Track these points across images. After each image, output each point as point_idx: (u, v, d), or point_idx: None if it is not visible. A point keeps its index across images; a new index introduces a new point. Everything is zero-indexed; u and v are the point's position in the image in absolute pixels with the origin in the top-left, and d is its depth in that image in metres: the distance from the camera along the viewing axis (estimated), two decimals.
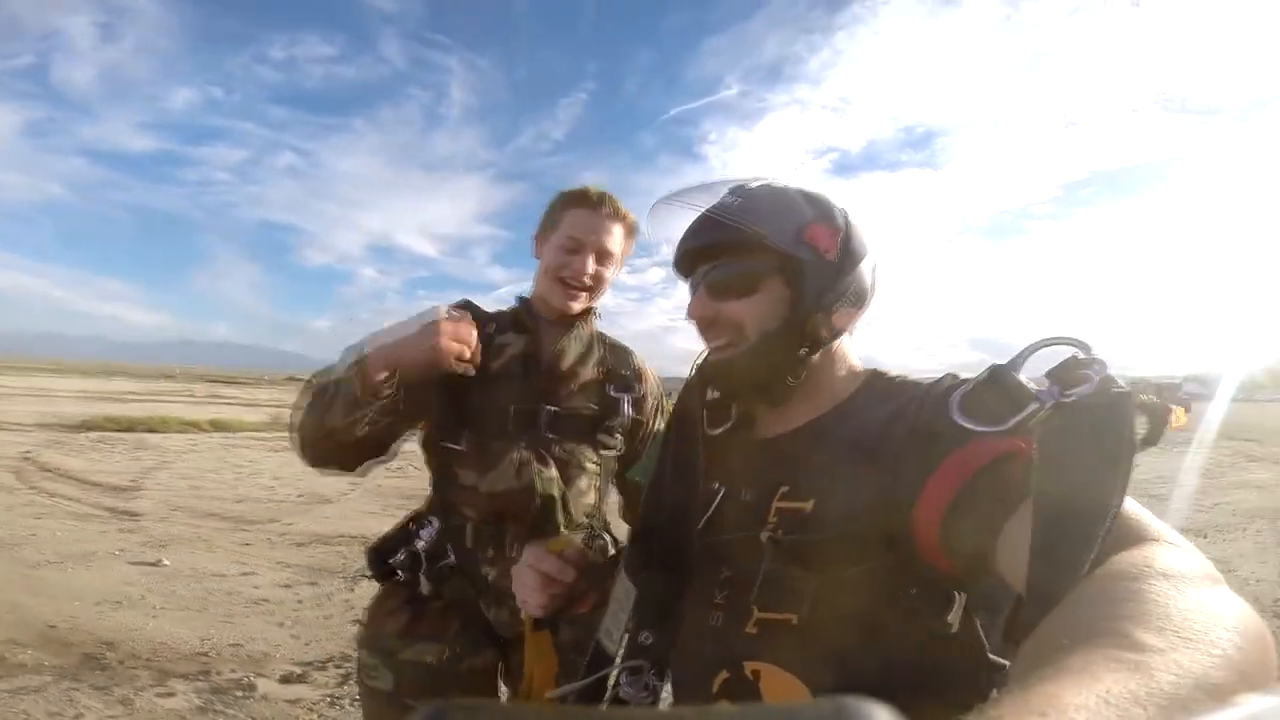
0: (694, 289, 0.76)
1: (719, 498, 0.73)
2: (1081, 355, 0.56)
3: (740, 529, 0.69)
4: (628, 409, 1.31)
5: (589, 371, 1.32)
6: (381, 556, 1.24)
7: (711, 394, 0.80)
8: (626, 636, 0.72)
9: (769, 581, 0.65)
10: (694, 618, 0.71)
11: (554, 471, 1.18)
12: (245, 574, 4.07)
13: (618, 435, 1.31)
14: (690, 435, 0.76)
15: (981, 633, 0.60)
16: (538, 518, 1.09)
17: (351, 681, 2.68)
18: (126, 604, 3.41)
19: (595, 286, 1.31)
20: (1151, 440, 0.55)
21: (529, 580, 0.80)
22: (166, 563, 4.14)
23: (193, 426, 11.94)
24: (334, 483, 7.30)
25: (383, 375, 1.06)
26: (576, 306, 1.29)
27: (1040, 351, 0.60)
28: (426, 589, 1.20)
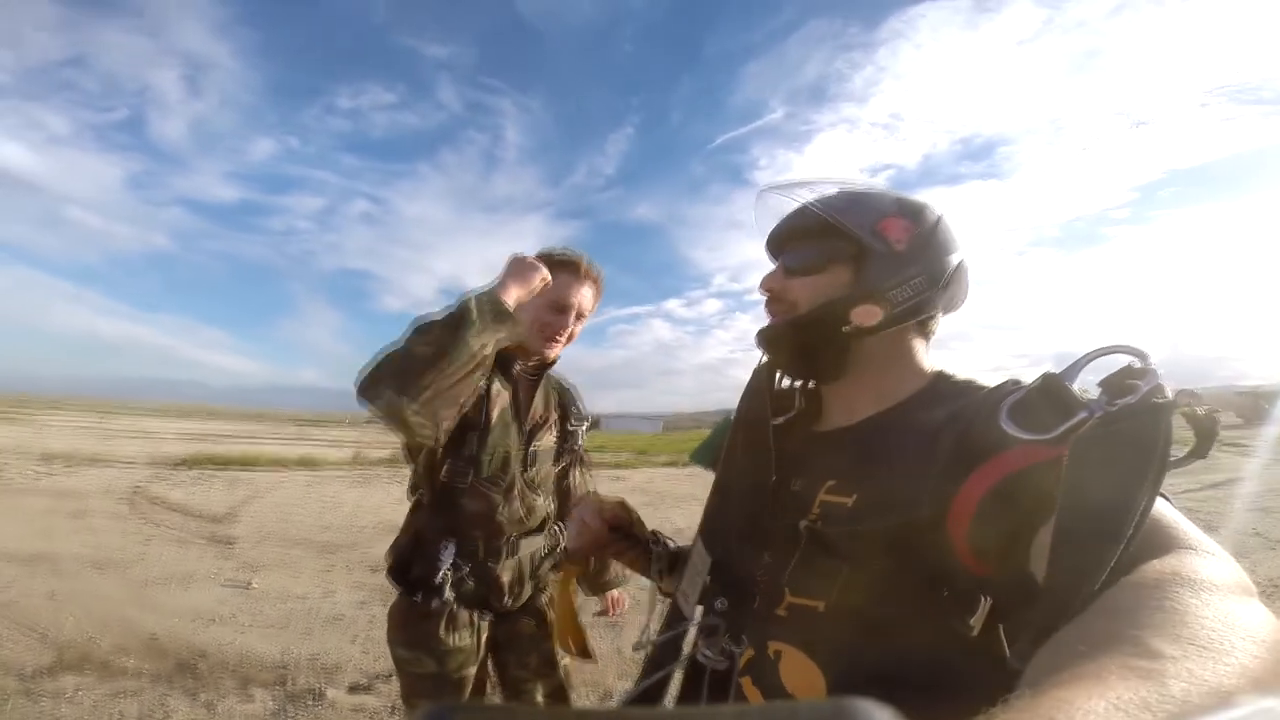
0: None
1: (772, 484, 0.76)
2: (1138, 365, 0.55)
3: (785, 516, 0.71)
4: (582, 438, 1.69)
5: (552, 413, 1.62)
6: (405, 575, 1.47)
7: (779, 383, 0.84)
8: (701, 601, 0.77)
9: (801, 568, 0.67)
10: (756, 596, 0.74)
11: (534, 500, 1.53)
12: (325, 594, 4.28)
13: (566, 458, 1.68)
14: (760, 419, 0.79)
15: (1004, 640, 0.58)
16: (523, 530, 1.52)
17: None
18: (219, 620, 3.65)
19: (569, 340, 1.55)
20: (1199, 453, 0.54)
21: (573, 525, 0.94)
22: (256, 585, 4.41)
23: (282, 463, 12.74)
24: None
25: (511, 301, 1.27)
26: (553, 354, 1.53)
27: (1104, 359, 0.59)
28: (450, 595, 1.43)
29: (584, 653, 1.05)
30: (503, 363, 1.48)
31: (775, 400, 0.82)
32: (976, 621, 0.57)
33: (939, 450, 0.63)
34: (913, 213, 0.73)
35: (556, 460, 1.63)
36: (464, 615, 1.44)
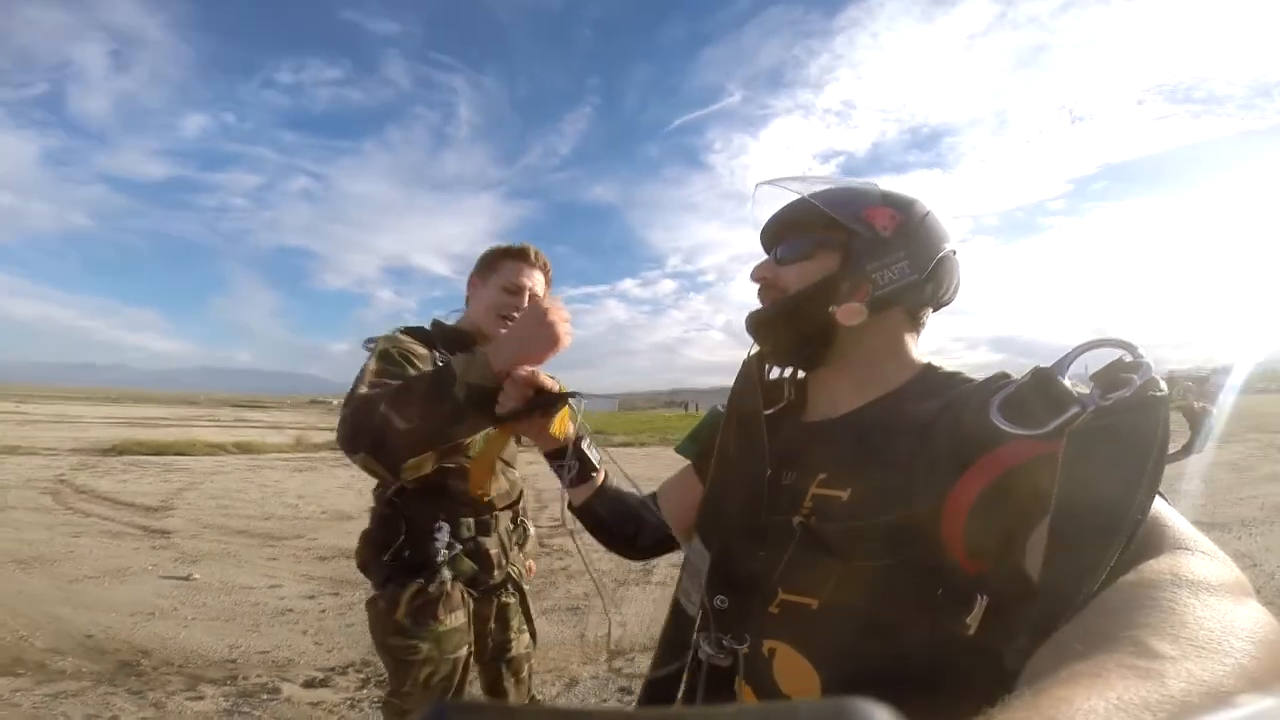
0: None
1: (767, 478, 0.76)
2: (1129, 358, 0.55)
3: (777, 511, 0.71)
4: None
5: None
6: (390, 564, 1.47)
7: (768, 373, 0.85)
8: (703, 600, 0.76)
9: (793, 565, 0.67)
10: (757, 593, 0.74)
11: (515, 472, 1.68)
12: (272, 586, 4.20)
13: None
14: (753, 411, 0.78)
15: (1001, 639, 0.57)
16: (515, 503, 1.68)
17: (372, 685, 2.77)
18: (159, 615, 3.54)
19: None
20: (1194, 447, 0.55)
21: (506, 387, 0.95)
22: (197, 577, 4.28)
23: (219, 449, 12.25)
24: (355, 500, 7.47)
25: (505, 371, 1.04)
26: None
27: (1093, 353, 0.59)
28: (447, 576, 1.47)
29: (482, 487, 1.36)
30: (465, 348, 1.52)
31: (765, 392, 0.82)
32: (973, 620, 0.56)
33: (931, 445, 0.63)
34: (900, 204, 0.75)
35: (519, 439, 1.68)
36: (457, 595, 1.49)
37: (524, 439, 1.07)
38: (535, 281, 1.59)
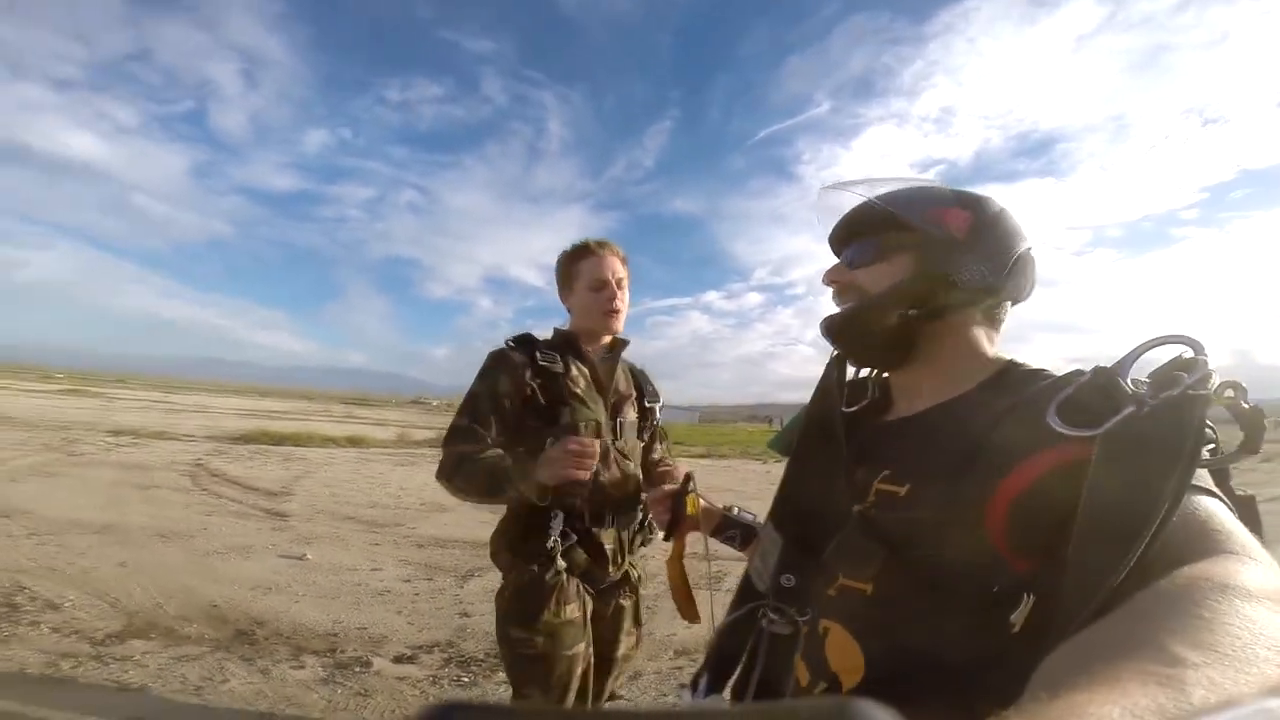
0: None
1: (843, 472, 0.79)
2: (1189, 355, 0.54)
3: (845, 503, 0.73)
4: (659, 414, 1.79)
5: (628, 388, 1.72)
6: (529, 551, 1.51)
7: (856, 373, 0.87)
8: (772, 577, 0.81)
9: (846, 549, 0.70)
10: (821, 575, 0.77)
11: (625, 470, 1.60)
12: (373, 569, 4.45)
13: (647, 433, 1.76)
14: (830, 408, 0.81)
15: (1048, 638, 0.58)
16: (617, 499, 1.57)
17: (454, 664, 2.86)
18: (275, 590, 3.83)
19: (625, 310, 1.66)
20: (1250, 448, 0.53)
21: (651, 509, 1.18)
22: (309, 557, 4.61)
23: (332, 442, 13.25)
24: (451, 496, 7.82)
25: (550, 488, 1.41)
26: (619, 326, 1.66)
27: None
28: (562, 566, 1.49)
29: (691, 617, 1.20)
30: (573, 348, 1.63)
31: (850, 390, 0.85)
32: (1018, 618, 0.56)
33: (991, 443, 0.63)
34: (972, 204, 0.74)
35: (639, 435, 1.71)
36: (573, 587, 1.49)
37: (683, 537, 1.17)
38: (613, 266, 1.62)
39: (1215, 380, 0.51)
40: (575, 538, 1.52)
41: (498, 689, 2.62)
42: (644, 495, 1.60)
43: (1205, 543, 0.45)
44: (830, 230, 0.84)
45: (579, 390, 1.58)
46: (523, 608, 1.46)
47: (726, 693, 0.81)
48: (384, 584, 4.10)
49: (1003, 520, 0.57)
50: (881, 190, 0.77)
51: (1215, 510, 0.49)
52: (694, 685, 0.84)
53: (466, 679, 2.72)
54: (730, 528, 1.11)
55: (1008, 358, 0.75)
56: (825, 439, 0.80)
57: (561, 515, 1.50)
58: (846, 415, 0.82)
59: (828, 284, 0.81)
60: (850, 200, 0.80)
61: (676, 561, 1.13)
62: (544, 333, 1.70)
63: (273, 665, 2.73)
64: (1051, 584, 0.54)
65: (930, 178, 0.77)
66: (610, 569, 1.57)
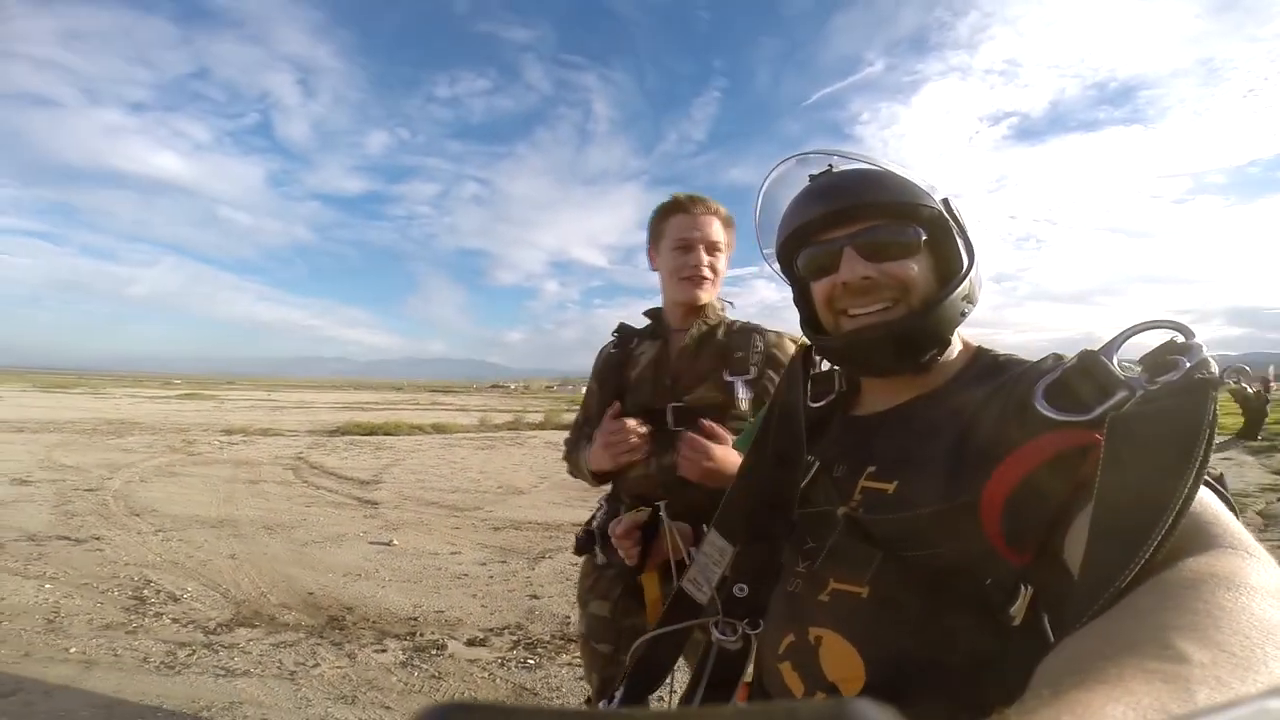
0: (830, 252, 0.71)
1: (814, 470, 0.75)
2: (1180, 340, 0.53)
3: (827, 503, 0.71)
4: (741, 392, 1.39)
5: (706, 363, 1.44)
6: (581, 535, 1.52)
7: (818, 366, 0.83)
8: (718, 588, 0.78)
9: (839, 553, 0.67)
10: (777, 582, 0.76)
11: (673, 459, 1.31)
12: (453, 553, 4.71)
13: (747, 416, 1.39)
14: (793, 407, 0.77)
15: (1049, 630, 0.57)
16: (668, 498, 1.31)
17: (521, 647, 3.01)
18: (364, 576, 4.13)
19: (714, 276, 1.46)
20: (1248, 435, 0.47)
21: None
22: (396, 543, 4.93)
23: (419, 430, 14.01)
24: (527, 476, 8.12)
25: (602, 472, 1.45)
26: (704, 296, 1.45)
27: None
28: (601, 560, 1.44)
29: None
30: (658, 326, 1.54)
31: (814, 384, 0.82)
32: (1017, 611, 0.55)
33: (975, 433, 0.62)
34: (932, 186, 0.71)
35: (721, 420, 1.38)
36: (610, 583, 1.45)
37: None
38: (705, 227, 1.44)
39: (1215, 365, 0.49)
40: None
41: (560, 671, 2.74)
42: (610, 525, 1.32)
43: (1203, 536, 0.44)
44: (825, 204, 0.71)
45: (634, 374, 1.50)
46: (578, 586, 1.51)
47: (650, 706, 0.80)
48: (462, 567, 4.34)
49: (999, 512, 0.56)
50: (856, 163, 0.73)
51: (1209, 501, 0.48)
52: (609, 697, 0.84)
53: (532, 661, 2.85)
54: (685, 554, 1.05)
55: (975, 344, 0.74)
56: (787, 435, 0.76)
57: (605, 506, 1.48)
58: (812, 410, 0.79)
59: (858, 283, 0.69)
60: (816, 171, 0.73)
61: (653, 580, 1.10)
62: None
63: (359, 650, 2.96)
64: (1049, 576, 0.54)
65: (908, 168, 0.71)
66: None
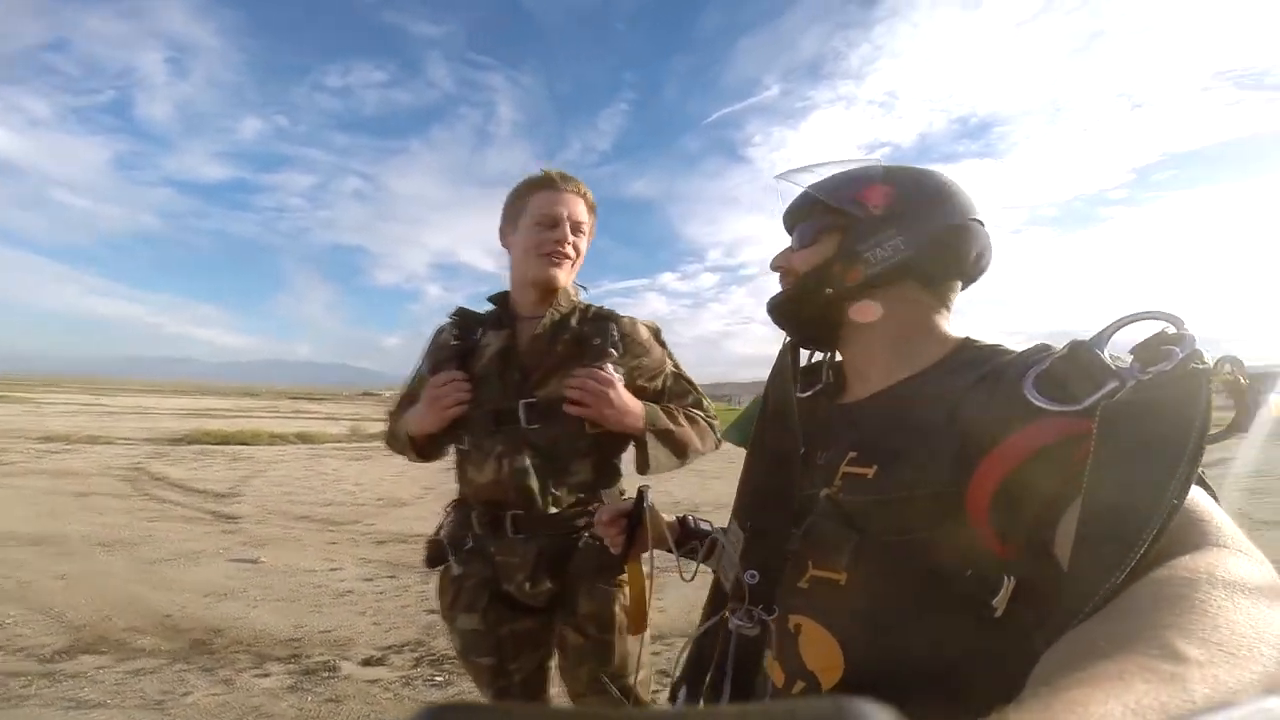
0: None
1: (801, 457, 0.77)
2: (1172, 330, 0.52)
3: (810, 488, 0.72)
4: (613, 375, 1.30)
5: (561, 352, 1.33)
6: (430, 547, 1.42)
7: (809, 358, 0.87)
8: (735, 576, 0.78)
9: (816, 535, 0.68)
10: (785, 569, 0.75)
11: (527, 461, 1.27)
12: (333, 569, 4.35)
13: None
14: (786, 394, 0.80)
15: (1030, 623, 0.56)
16: (522, 502, 1.28)
17: (425, 664, 2.85)
18: (230, 596, 3.71)
19: (575, 257, 1.38)
20: (1239, 426, 0.51)
21: (603, 533, 1.04)
22: (264, 560, 4.47)
23: (281, 439, 12.82)
24: (409, 487, 7.70)
25: (422, 437, 1.37)
26: (562, 277, 1.35)
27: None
28: (457, 570, 1.34)
29: (639, 629, 1.11)
30: (504, 312, 1.42)
31: (804, 375, 0.85)
32: (1000, 602, 0.55)
33: (962, 419, 0.61)
34: (899, 179, 0.74)
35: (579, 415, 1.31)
36: (473, 594, 1.31)
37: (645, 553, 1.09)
38: (570, 206, 1.36)
39: (1207, 355, 0.49)
40: (471, 542, 1.33)
41: (473, 687, 2.61)
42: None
43: (1196, 533, 0.44)
44: (781, 217, 0.85)
45: (478, 366, 1.35)
46: (439, 602, 1.38)
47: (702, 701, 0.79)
48: (345, 584, 4.03)
49: (987, 502, 0.55)
50: (825, 173, 0.78)
51: (1200, 497, 0.47)
52: (673, 697, 0.83)
53: (440, 678, 2.72)
54: (689, 540, 1.02)
55: (962, 335, 0.74)
56: (782, 426, 0.78)
57: (453, 514, 1.39)
58: (802, 400, 0.81)
59: (773, 269, 0.83)
60: (802, 186, 0.81)
61: (637, 571, 1.07)
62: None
63: (235, 675, 2.67)
64: (1034, 568, 0.53)
65: (876, 158, 0.78)
66: (510, 586, 1.29)
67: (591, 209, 1.41)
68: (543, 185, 1.36)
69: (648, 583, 1.02)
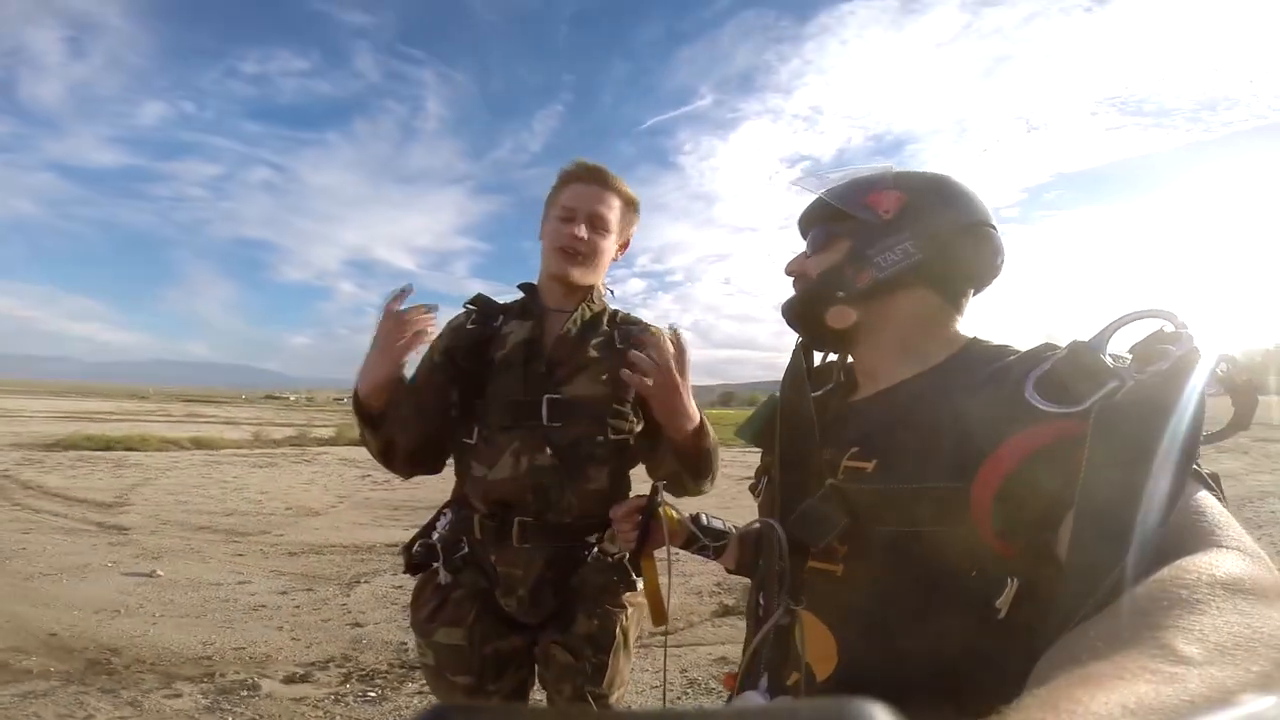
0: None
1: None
2: (1170, 329, 0.53)
3: (818, 483, 0.72)
4: (633, 392, 1.23)
5: (592, 353, 1.27)
6: (410, 549, 1.29)
7: (823, 359, 0.88)
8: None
9: (810, 517, 0.68)
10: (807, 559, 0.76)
11: (548, 460, 1.19)
12: (241, 582, 4.10)
13: (630, 416, 1.28)
14: (802, 394, 0.80)
15: (1034, 624, 0.54)
16: (535, 505, 1.20)
17: (354, 680, 2.75)
18: (125, 612, 3.43)
19: (592, 254, 1.29)
20: (1239, 424, 0.51)
21: (617, 529, 1.03)
22: (161, 573, 4.16)
23: (173, 444, 11.81)
24: (320, 495, 7.34)
25: (373, 395, 1.17)
26: (575, 273, 1.28)
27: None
28: (445, 579, 1.22)
29: (660, 620, 1.08)
30: (529, 298, 1.36)
31: (816, 375, 0.86)
32: (1003, 603, 0.55)
33: (964, 418, 0.61)
34: (908, 184, 0.75)
35: (602, 417, 1.24)
36: (460, 607, 1.21)
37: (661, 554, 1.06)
38: (600, 203, 1.29)
39: (1203, 352, 0.48)
40: (466, 549, 1.24)
41: (411, 701, 2.56)
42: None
43: (1200, 535, 0.43)
44: (800, 229, 0.86)
45: (499, 355, 1.27)
46: (412, 615, 1.26)
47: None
48: (256, 598, 3.81)
49: (990, 503, 0.54)
50: (836, 179, 0.80)
51: (1204, 498, 0.47)
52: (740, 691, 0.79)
53: (373, 693, 2.63)
54: (703, 537, 1.01)
55: (970, 336, 0.75)
56: (797, 425, 0.79)
57: (450, 515, 1.29)
58: (815, 399, 0.81)
59: (787, 274, 0.83)
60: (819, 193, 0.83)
61: (652, 566, 1.07)
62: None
63: (142, 696, 2.48)
64: (1038, 569, 0.53)
65: (890, 164, 0.80)
66: (510, 599, 1.22)
67: (628, 205, 1.35)
68: (571, 177, 1.31)
69: (664, 579, 1.01)
